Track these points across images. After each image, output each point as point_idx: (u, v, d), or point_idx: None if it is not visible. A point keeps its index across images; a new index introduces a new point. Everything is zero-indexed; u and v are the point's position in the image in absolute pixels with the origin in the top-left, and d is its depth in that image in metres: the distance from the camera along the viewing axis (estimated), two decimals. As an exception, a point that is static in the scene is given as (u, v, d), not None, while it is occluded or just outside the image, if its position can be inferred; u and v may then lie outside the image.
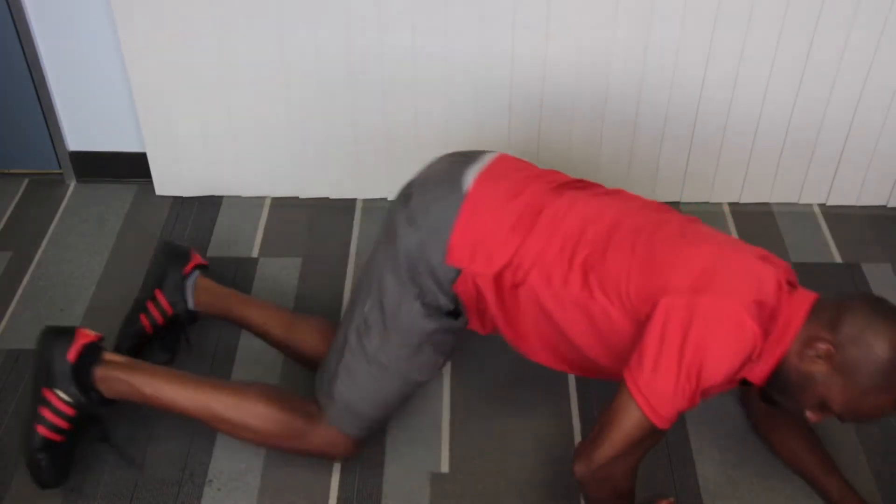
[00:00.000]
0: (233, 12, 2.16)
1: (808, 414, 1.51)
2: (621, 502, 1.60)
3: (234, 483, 1.81)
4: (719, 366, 1.44)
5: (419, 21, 2.16)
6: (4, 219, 2.43)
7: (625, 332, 1.53)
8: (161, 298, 1.97)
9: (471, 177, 1.65)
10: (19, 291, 2.21)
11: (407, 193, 1.71)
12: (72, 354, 1.71)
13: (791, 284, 1.54)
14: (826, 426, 1.91)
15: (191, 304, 1.98)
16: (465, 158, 1.73)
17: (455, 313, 1.70)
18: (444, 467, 1.84)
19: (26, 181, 2.55)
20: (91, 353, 1.74)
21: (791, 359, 1.48)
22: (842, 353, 1.43)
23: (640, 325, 1.50)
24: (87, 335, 1.76)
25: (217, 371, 2.01)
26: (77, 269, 2.27)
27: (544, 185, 1.66)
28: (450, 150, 2.38)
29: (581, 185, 1.71)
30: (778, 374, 1.50)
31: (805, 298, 1.51)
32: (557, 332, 1.62)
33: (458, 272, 1.63)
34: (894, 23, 2.16)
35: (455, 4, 2.13)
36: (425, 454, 1.86)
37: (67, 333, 1.75)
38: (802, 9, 2.14)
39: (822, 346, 1.44)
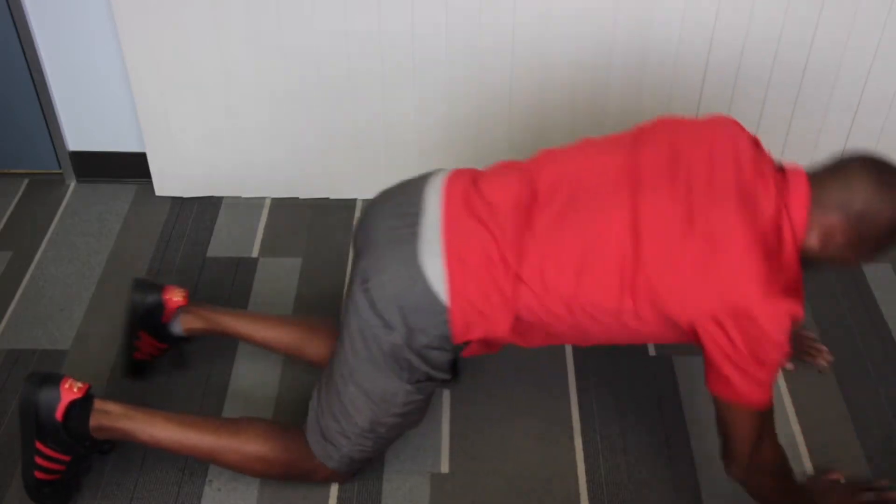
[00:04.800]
0: (232, 13, 2.16)
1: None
2: (787, 480, 1.62)
3: (234, 483, 1.80)
4: (781, 343, 1.44)
5: (419, 19, 2.16)
6: (4, 219, 2.43)
7: (649, 325, 1.52)
8: (147, 340, 1.92)
9: (435, 249, 1.52)
10: (19, 291, 2.21)
11: (364, 282, 1.57)
12: (59, 414, 1.64)
13: (778, 170, 1.52)
14: (825, 429, 1.91)
15: (180, 333, 1.91)
16: (410, 230, 1.55)
17: (453, 374, 1.65)
18: (444, 467, 1.84)
19: (26, 181, 2.55)
20: (80, 407, 1.66)
21: (809, 246, 1.48)
22: (860, 232, 1.45)
23: (667, 319, 1.48)
24: (72, 392, 1.65)
25: (215, 382, 2.02)
26: (77, 269, 2.27)
27: (509, 211, 1.53)
28: (450, 151, 2.40)
29: (537, 192, 1.55)
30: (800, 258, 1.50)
31: (795, 184, 1.48)
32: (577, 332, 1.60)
33: (467, 343, 1.58)
34: (894, 23, 2.16)
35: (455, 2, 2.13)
36: (425, 454, 1.86)
37: (52, 383, 1.65)
38: (802, 10, 2.14)
39: (840, 237, 1.46)
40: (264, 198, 2.51)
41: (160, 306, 1.89)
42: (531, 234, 1.51)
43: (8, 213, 2.45)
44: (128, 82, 2.32)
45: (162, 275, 2.24)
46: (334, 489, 1.79)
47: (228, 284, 2.15)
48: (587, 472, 1.83)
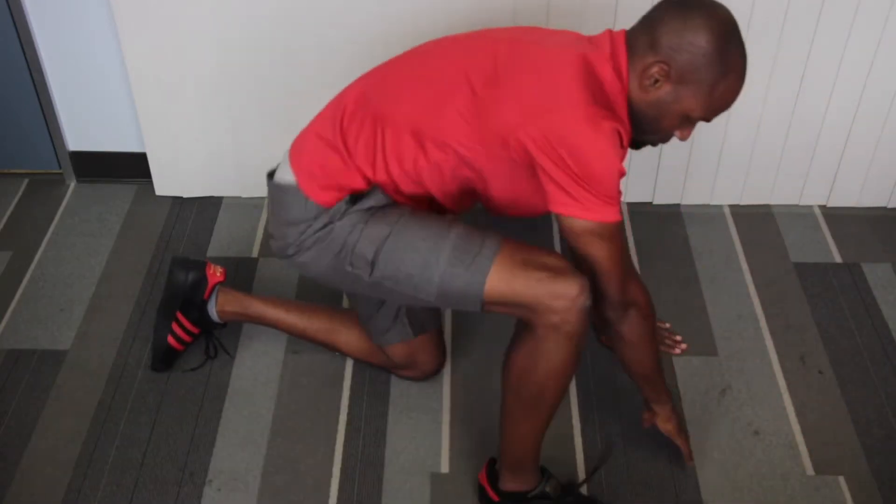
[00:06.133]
0: (233, 13, 2.16)
1: (678, 134, 1.55)
2: (653, 342, 1.67)
3: (234, 483, 1.80)
4: (614, 162, 1.46)
5: (422, 24, 2.16)
6: (4, 219, 2.43)
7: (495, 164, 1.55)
8: (184, 321, 1.98)
9: (285, 164, 1.67)
10: (19, 291, 2.21)
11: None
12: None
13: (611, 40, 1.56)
14: (825, 429, 1.91)
15: (215, 315, 1.98)
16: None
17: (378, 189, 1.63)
18: (444, 467, 1.84)
19: (26, 181, 2.55)
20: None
21: (636, 97, 1.51)
22: (674, 64, 1.46)
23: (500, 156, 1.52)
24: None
25: (215, 379, 2.02)
26: (77, 269, 2.27)
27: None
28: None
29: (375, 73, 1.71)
30: (635, 118, 1.53)
31: (616, 41, 1.53)
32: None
33: (348, 200, 1.60)
34: (894, 24, 2.16)
35: None
36: (425, 454, 1.86)
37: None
38: (802, 10, 2.14)
39: (655, 69, 1.47)
40: (264, 198, 2.50)
41: (203, 281, 1.98)
42: (361, 80, 1.68)
43: (8, 213, 2.45)
44: (128, 82, 2.32)
45: (161, 275, 2.24)
46: (334, 490, 1.79)
47: (228, 284, 2.14)
48: (587, 472, 1.83)
